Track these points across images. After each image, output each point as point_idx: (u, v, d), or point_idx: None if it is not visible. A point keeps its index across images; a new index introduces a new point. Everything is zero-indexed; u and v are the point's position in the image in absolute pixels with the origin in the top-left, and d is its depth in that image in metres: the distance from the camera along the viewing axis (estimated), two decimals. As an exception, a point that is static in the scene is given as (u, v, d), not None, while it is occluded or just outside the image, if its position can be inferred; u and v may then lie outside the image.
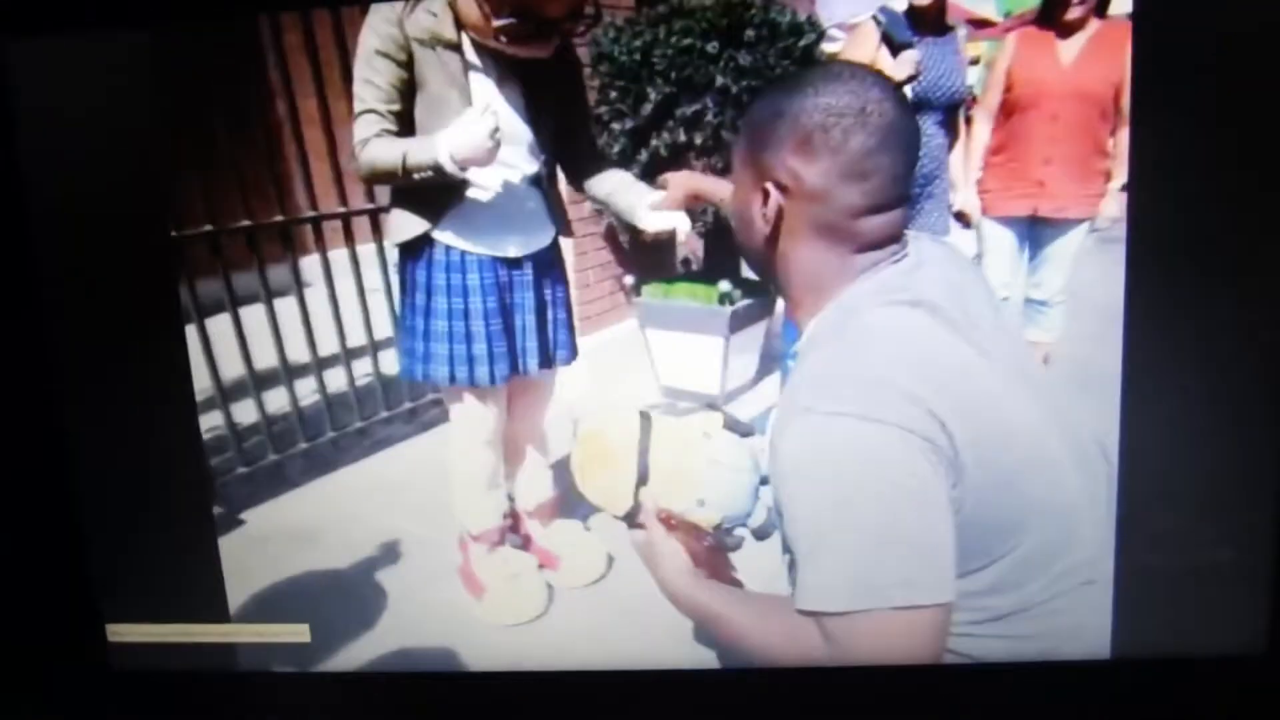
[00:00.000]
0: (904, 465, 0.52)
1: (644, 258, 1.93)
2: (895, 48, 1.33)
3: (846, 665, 0.54)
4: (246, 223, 1.40)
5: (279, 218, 1.45)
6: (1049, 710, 0.78)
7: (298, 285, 1.45)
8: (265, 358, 1.47)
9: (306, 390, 1.54)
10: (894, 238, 0.60)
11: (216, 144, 1.35)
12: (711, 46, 1.45)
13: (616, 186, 1.05)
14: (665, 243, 2.02)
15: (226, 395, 1.42)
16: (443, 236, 0.98)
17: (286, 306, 1.48)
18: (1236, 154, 0.71)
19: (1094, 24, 1.44)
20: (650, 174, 1.61)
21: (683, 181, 1.00)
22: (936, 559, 0.52)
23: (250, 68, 1.43)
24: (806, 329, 0.62)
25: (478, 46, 0.92)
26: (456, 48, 0.90)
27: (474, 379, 1.01)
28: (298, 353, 1.51)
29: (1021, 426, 0.56)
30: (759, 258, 0.64)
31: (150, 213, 0.82)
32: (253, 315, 1.44)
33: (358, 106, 0.92)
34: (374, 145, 0.92)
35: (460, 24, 0.90)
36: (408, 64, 0.90)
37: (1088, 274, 1.66)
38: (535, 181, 1.01)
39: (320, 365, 1.54)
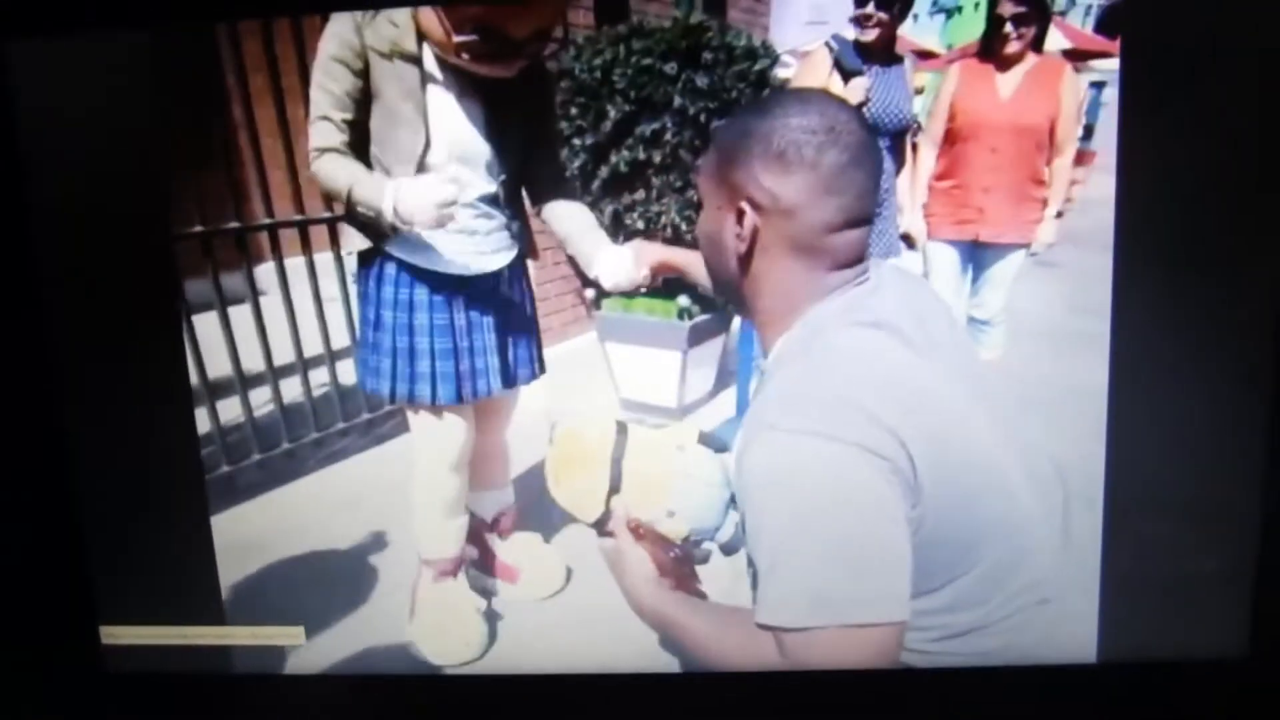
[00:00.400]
0: (864, 485, 0.53)
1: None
2: (846, 75, 1.39)
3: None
4: (199, 228, 1.38)
5: (234, 224, 1.43)
6: (1036, 713, 0.80)
7: (253, 292, 1.43)
8: (220, 366, 1.45)
9: (261, 400, 1.52)
10: (860, 256, 0.62)
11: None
12: (670, 67, 1.49)
13: (576, 230, 1.03)
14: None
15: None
16: (393, 250, 0.96)
17: (241, 314, 1.46)
18: (1223, 159, 0.72)
19: (1031, 59, 1.53)
20: (610, 190, 1.64)
21: (652, 254, 0.98)
22: (893, 578, 0.53)
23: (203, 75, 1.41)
24: (774, 347, 0.63)
25: (439, 60, 0.90)
26: (416, 60, 0.88)
27: (414, 396, 0.99)
28: (252, 361, 1.49)
29: (980, 448, 0.57)
30: (729, 278, 0.65)
31: (150, 212, 0.81)
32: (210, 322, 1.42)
33: (313, 112, 0.89)
34: (327, 161, 0.90)
35: (422, 37, 0.87)
36: (364, 73, 0.88)
37: (1026, 295, 1.74)
38: (492, 201, 0.99)
39: (275, 375, 1.52)
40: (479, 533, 1.19)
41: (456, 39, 0.80)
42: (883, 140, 1.52)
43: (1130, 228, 0.73)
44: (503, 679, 0.95)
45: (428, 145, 0.92)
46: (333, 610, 1.13)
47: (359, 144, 0.92)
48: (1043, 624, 0.60)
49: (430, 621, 1.08)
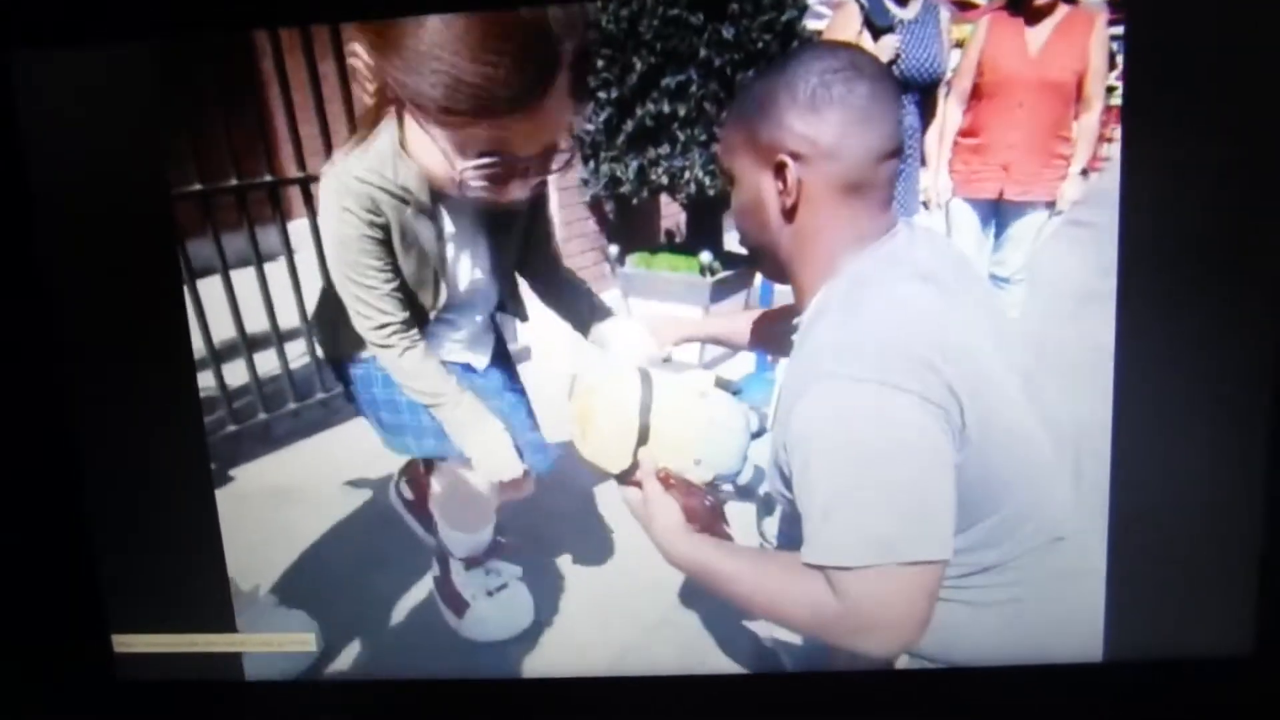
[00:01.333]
0: (921, 431, 0.55)
1: (628, 229, 1.98)
2: (876, 31, 1.38)
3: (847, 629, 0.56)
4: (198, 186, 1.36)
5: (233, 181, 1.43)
6: (1043, 712, 0.80)
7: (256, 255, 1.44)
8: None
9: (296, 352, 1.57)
10: (892, 194, 0.64)
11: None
12: (696, 18, 1.48)
13: (584, 311, 0.96)
14: (649, 214, 2.06)
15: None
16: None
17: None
18: (1229, 147, 0.71)
19: (1061, 10, 1.51)
20: (635, 145, 1.65)
21: (675, 333, 0.96)
22: (942, 519, 0.56)
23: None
24: (814, 297, 0.64)
25: (453, 206, 0.81)
26: (431, 214, 0.80)
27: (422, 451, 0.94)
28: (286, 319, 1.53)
29: (1009, 398, 0.60)
30: (772, 240, 0.66)
31: (150, 182, 0.80)
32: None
33: (357, 294, 0.80)
34: (409, 359, 0.84)
35: (435, 194, 0.78)
36: (388, 240, 0.80)
37: (1053, 256, 1.74)
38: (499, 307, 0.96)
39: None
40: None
41: (462, 165, 0.71)
42: (912, 95, 1.52)
43: (1135, 220, 0.73)
44: (521, 682, 0.97)
45: (439, 291, 0.86)
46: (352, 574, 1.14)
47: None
48: (1056, 563, 0.63)
49: (485, 605, 1.05)
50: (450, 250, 0.85)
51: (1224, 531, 0.76)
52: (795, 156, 0.62)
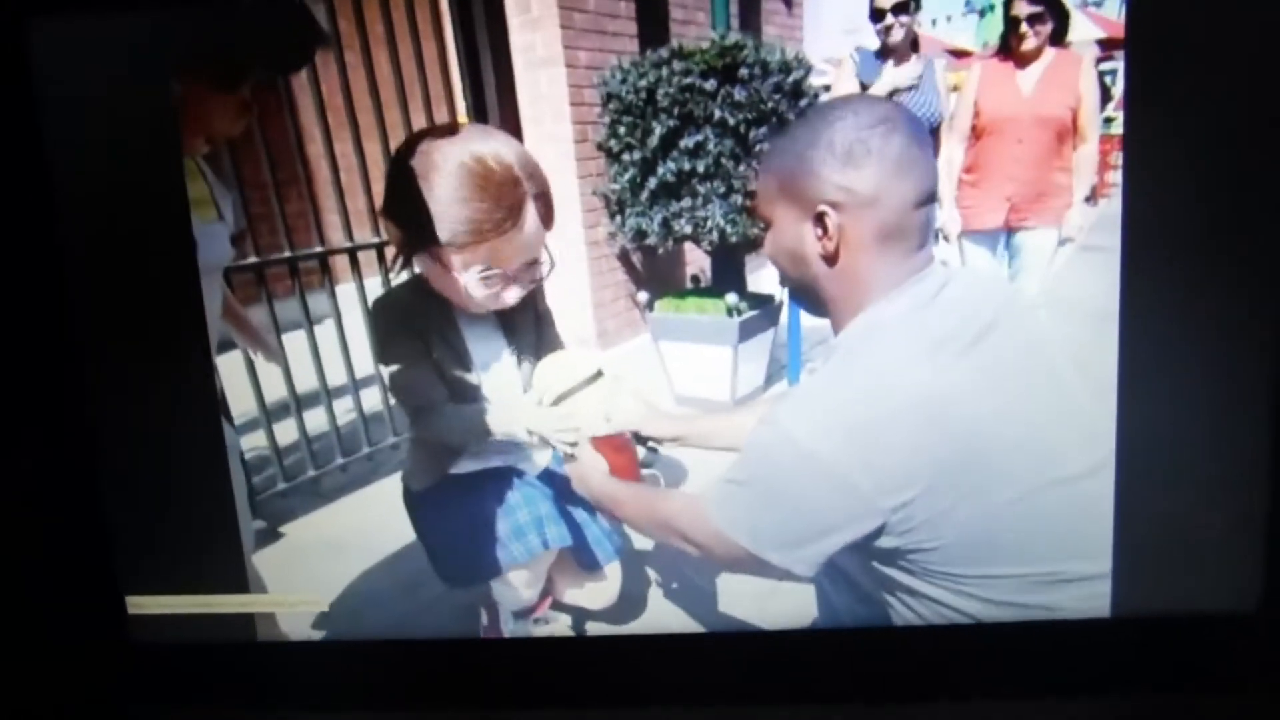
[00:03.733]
0: (831, 507, 0.63)
1: (656, 275, 2.07)
2: (865, 88, 1.51)
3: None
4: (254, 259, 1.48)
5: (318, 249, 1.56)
6: (1051, 668, 0.82)
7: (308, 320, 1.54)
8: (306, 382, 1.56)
9: (344, 408, 1.63)
10: (928, 237, 0.68)
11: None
12: (709, 84, 1.61)
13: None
14: (675, 262, 2.15)
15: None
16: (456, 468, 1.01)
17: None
18: (1231, 149, 0.74)
19: (1049, 54, 1.62)
20: (659, 199, 1.76)
21: (665, 428, 0.97)
22: (820, 549, 0.65)
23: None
24: (843, 330, 0.69)
25: (468, 320, 0.97)
26: (457, 330, 0.96)
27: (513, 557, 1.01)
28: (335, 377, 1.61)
29: (999, 452, 0.62)
30: (810, 282, 0.70)
31: (171, 203, 0.83)
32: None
33: (410, 400, 0.96)
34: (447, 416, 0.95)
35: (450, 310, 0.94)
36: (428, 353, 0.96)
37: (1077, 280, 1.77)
38: None
39: (357, 386, 1.63)
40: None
41: (463, 278, 0.88)
42: (913, 138, 1.62)
43: (1138, 205, 0.75)
44: (535, 641, 1.01)
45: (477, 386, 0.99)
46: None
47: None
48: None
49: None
50: (475, 350, 0.99)
51: (1231, 487, 0.77)
52: (834, 206, 0.66)
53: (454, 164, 0.84)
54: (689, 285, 2.03)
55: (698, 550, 0.72)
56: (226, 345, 1.31)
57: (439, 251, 0.87)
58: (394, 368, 0.95)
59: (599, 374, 0.95)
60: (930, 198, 0.67)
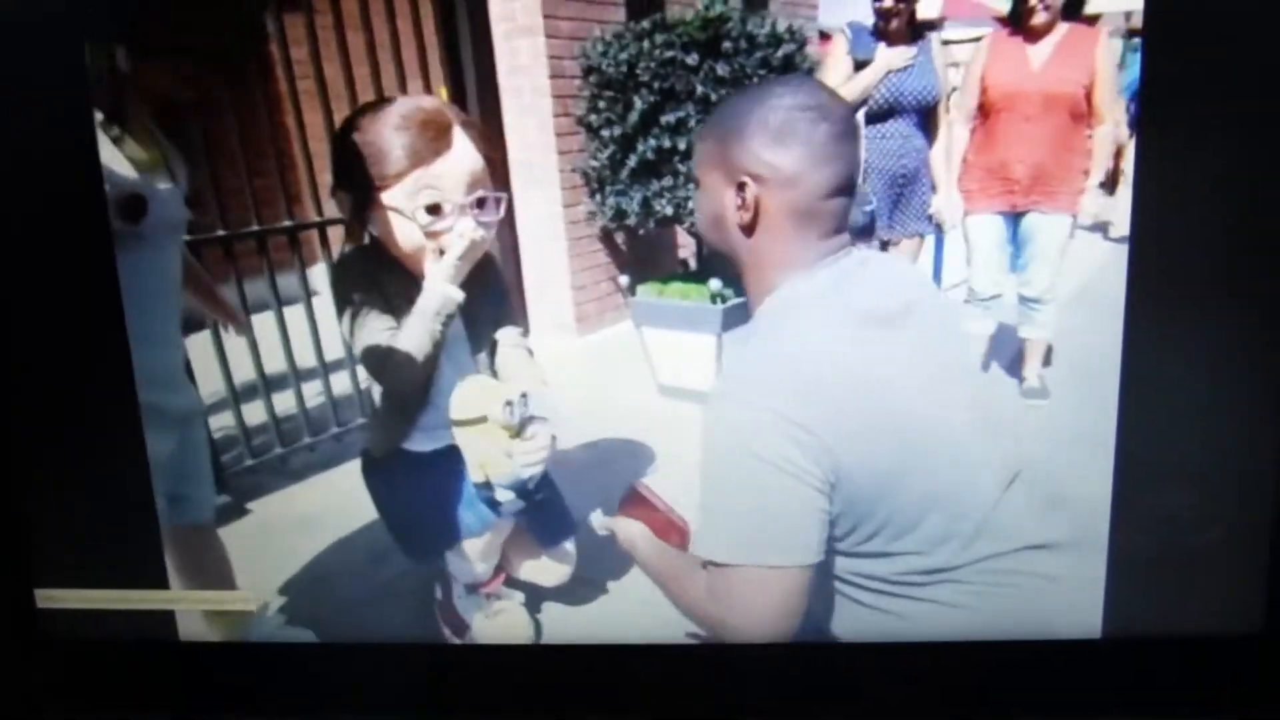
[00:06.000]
0: (787, 458, 0.62)
1: (645, 259, 2.00)
2: (858, 64, 1.41)
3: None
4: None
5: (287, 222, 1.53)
6: (1039, 689, 0.80)
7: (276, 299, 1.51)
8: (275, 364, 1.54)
9: (313, 391, 1.62)
10: (843, 226, 0.70)
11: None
12: (691, 59, 1.53)
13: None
14: (667, 245, 2.08)
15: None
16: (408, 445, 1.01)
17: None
18: (1248, 143, 0.72)
19: (1062, 28, 1.50)
20: (639, 178, 1.68)
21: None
22: (805, 529, 0.63)
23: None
24: (760, 307, 0.71)
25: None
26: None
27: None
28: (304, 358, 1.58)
29: (925, 429, 0.64)
30: (730, 247, 0.72)
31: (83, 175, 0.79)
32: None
33: (364, 339, 0.95)
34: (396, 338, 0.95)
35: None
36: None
37: (1111, 278, 1.66)
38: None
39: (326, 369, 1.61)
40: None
41: (413, 212, 0.91)
42: (910, 117, 1.53)
43: (1145, 202, 0.73)
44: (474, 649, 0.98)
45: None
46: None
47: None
48: (1048, 566, 0.67)
49: (484, 625, 1.11)
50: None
51: (1232, 505, 0.75)
52: (756, 178, 0.68)
53: (384, 112, 0.91)
54: (679, 270, 1.96)
55: (728, 625, 0.66)
56: (196, 326, 1.31)
57: (386, 197, 0.91)
58: (355, 317, 0.96)
59: (508, 404, 0.92)
60: (845, 191, 0.69)
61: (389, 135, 0.90)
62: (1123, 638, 0.76)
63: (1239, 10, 0.70)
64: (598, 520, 0.83)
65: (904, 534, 0.64)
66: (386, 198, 0.91)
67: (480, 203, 0.94)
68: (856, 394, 0.63)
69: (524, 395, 0.94)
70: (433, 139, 0.91)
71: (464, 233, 0.93)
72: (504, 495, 0.97)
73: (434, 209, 0.91)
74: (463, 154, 0.92)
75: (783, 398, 0.62)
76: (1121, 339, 0.74)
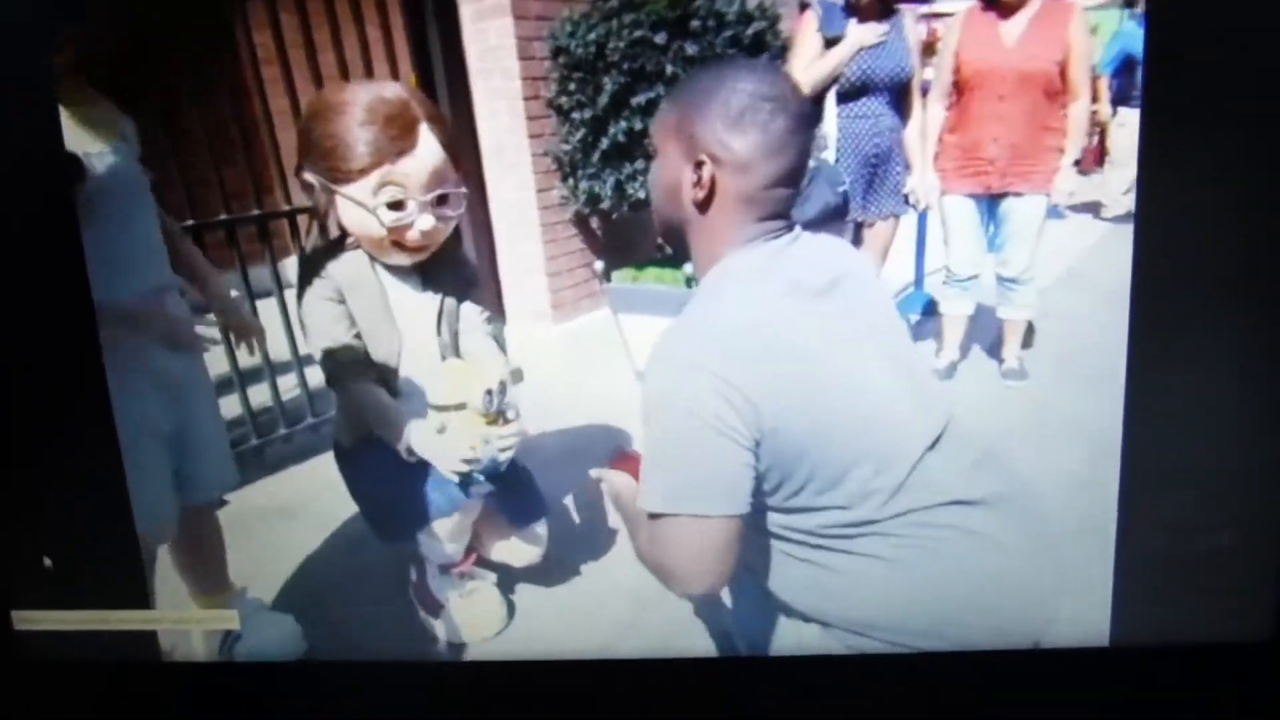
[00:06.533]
0: (716, 413, 0.64)
1: (623, 244, 1.99)
2: (828, 41, 1.39)
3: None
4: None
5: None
6: (1045, 698, 0.78)
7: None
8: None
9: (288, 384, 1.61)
10: (786, 213, 0.72)
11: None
12: (660, 38, 1.50)
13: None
14: (644, 230, 2.06)
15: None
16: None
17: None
18: (1254, 135, 0.70)
19: (1035, 3, 1.48)
20: (611, 161, 1.66)
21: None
22: (733, 481, 0.65)
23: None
24: (702, 279, 0.73)
25: (392, 272, 0.99)
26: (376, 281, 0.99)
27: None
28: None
29: (842, 387, 0.67)
30: (677, 221, 0.74)
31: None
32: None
33: (318, 342, 0.97)
34: (357, 394, 0.98)
35: (372, 257, 0.97)
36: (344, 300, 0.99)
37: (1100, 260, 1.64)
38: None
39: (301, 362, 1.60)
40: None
41: (375, 204, 0.91)
42: (883, 95, 1.51)
43: (1150, 201, 0.72)
44: (463, 667, 0.97)
45: (401, 344, 1.01)
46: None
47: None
48: (976, 523, 0.69)
49: (459, 606, 1.11)
50: (397, 306, 1.01)
51: (1242, 512, 0.73)
52: (713, 159, 0.69)
53: (349, 103, 0.90)
54: (656, 255, 1.95)
55: (667, 572, 0.69)
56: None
57: (349, 187, 0.92)
58: (310, 312, 0.99)
59: (488, 393, 0.93)
60: (790, 183, 0.71)
61: (354, 130, 0.89)
62: (1131, 646, 0.75)
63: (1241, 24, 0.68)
64: (594, 471, 0.86)
65: (829, 489, 0.66)
66: (349, 190, 0.92)
67: (442, 199, 0.94)
68: (784, 357, 0.66)
69: (503, 383, 0.95)
70: (397, 137, 0.90)
71: (424, 229, 0.93)
72: (476, 478, 0.99)
73: (396, 205, 0.92)
74: (428, 152, 0.92)
75: (717, 359, 0.64)
76: (1126, 339, 0.73)
